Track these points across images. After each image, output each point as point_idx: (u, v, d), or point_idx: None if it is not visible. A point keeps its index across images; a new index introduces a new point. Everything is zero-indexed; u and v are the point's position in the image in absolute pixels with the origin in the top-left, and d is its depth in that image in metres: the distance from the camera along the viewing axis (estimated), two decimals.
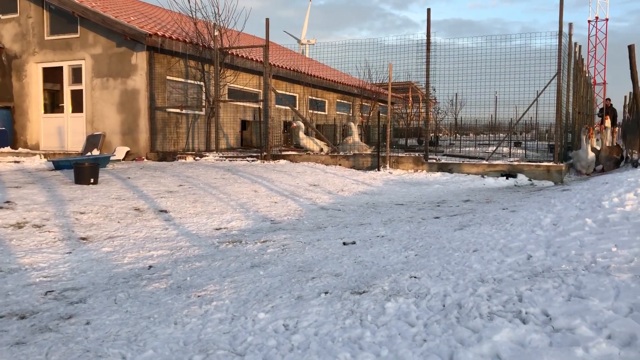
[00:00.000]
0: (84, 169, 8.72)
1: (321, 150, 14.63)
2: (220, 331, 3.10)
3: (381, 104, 22.96)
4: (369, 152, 14.51)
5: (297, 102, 21.47)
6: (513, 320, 2.71)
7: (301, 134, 14.95)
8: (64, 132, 15.72)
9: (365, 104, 23.68)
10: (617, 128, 20.71)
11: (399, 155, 13.54)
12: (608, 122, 16.18)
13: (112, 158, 12.80)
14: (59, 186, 8.36)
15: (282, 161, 13.54)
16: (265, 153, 13.80)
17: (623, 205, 5.24)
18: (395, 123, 26.79)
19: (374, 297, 3.49)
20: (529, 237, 4.80)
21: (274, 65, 17.95)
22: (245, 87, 17.80)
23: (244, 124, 18.22)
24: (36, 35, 15.70)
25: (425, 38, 12.82)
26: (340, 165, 13.35)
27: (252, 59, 17.22)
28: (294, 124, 15.13)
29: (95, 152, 14.17)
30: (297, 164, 13.07)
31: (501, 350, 2.40)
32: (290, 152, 14.36)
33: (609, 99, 19.29)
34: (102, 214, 6.63)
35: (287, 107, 17.69)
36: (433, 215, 7.15)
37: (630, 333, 2.35)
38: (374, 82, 22.44)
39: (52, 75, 16.18)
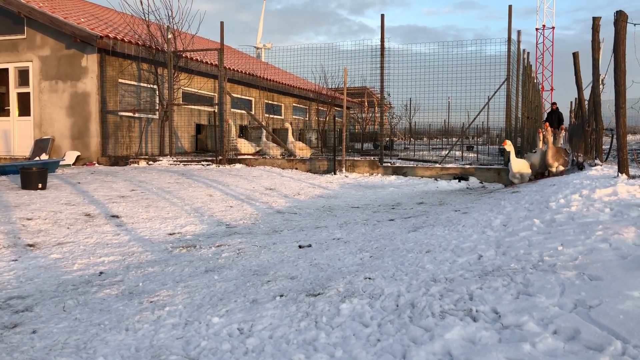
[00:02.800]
0: (32, 173, 8.43)
1: (258, 152, 14.96)
2: (174, 336, 3.05)
3: (337, 109, 23.09)
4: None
5: (253, 106, 21.36)
6: (464, 319, 2.77)
7: (234, 135, 14.96)
8: (10, 136, 15.16)
9: (322, 108, 23.78)
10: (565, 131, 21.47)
11: (355, 159, 13.65)
12: (548, 127, 16.75)
13: (61, 163, 12.42)
14: (5, 192, 8.06)
15: (238, 165, 13.44)
16: (220, 157, 13.66)
17: (569, 206, 5.42)
18: (351, 127, 27.01)
19: (329, 298, 3.50)
20: (479, 237, 4.91)
21: (230, 68, 17.82)
22: (200, 91, 17.60)
23: (199, 128, 18.00)
24: None
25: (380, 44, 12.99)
26: (296, 169, 13.35)
27: (206, 62, 17.05)
28: (229, 120, 15.03)
29: (44, 156, 13.72)
30: (253, 168, 13.01)
31: (452, 348, 2.44)
32: (246, 156, 14.28)
33: (554, 103, 20.00)
34: (50, 219, 6.43)
35: (243, 111, 17.58)
36: (388, 218, 7.24)
37: (574, 328, 2.43)
38: (330, 87, 22.57)
39: None
